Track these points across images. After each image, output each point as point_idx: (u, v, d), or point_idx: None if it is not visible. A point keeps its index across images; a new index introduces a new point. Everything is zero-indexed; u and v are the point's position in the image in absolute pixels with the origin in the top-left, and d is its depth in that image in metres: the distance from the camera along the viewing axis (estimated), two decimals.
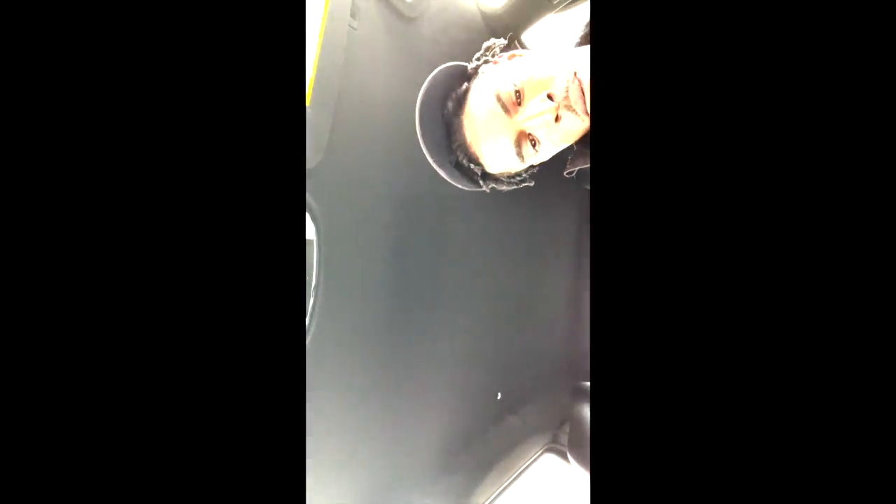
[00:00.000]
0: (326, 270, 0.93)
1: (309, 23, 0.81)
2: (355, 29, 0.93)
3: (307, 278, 0.91)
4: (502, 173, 0.62)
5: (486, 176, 0.62)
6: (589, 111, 0.54)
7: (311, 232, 0.91)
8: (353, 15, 0.91)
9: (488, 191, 0.65)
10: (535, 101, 0.54)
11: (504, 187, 0.65)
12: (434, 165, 0.61)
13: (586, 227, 1.84)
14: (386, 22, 1.01)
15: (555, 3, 1.16)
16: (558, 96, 0.53)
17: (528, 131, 0.56)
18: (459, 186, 0.64)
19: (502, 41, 0.63)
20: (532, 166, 0.64)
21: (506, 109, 0.55)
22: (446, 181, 0.64)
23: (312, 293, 0.91)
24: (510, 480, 1.41)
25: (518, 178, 0.65)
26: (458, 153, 0.59)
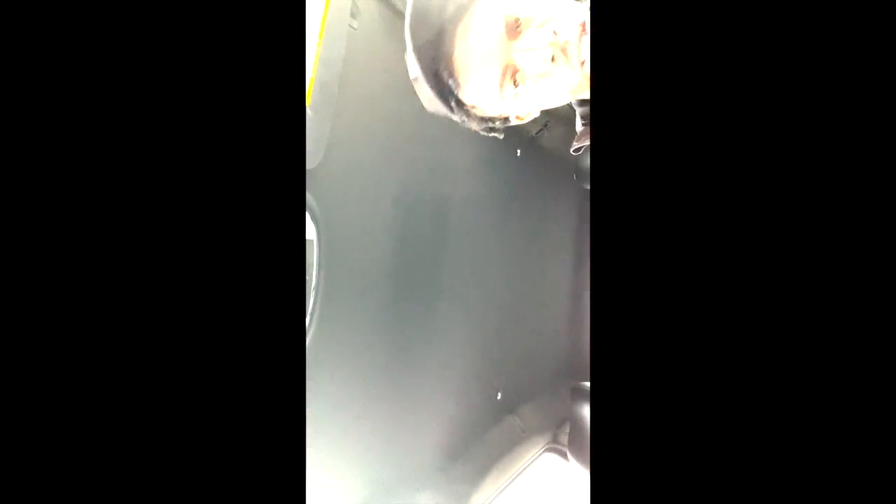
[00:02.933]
0: (326, 270, 0.93)
1: (309, 23, 0.81)
2: (355, 29, 0.93)
3: (307, 278, 0.91)
4: (475, 107, 0.58)
5: (460, 103, 0.57)
6: (584, 64, 0.52)
7: (311, 232, 0.91)
8: (353, 15, 0.91)
9: (458, 120, 0.59)
10: (538, 32, 0.51)
11: (473, 126, 0.61)
12: (411, 71, 0.56)
13: (586, 227, 1.84)
14: (386, 22, 1.01)
15: None
16: (561, 35, 0.51)
17: (517, 66, 0.53)
18: (427, 106, 0.59)
19: None
20: (506, 118, 0.61)
21: (509, 32, 0.52)
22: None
23: (312, 293, 0.91)
24: (510, 480, 1.41)
25: (489, 124, 0.61)
26: (441, 64, 0.54)
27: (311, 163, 0.85)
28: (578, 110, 0.68)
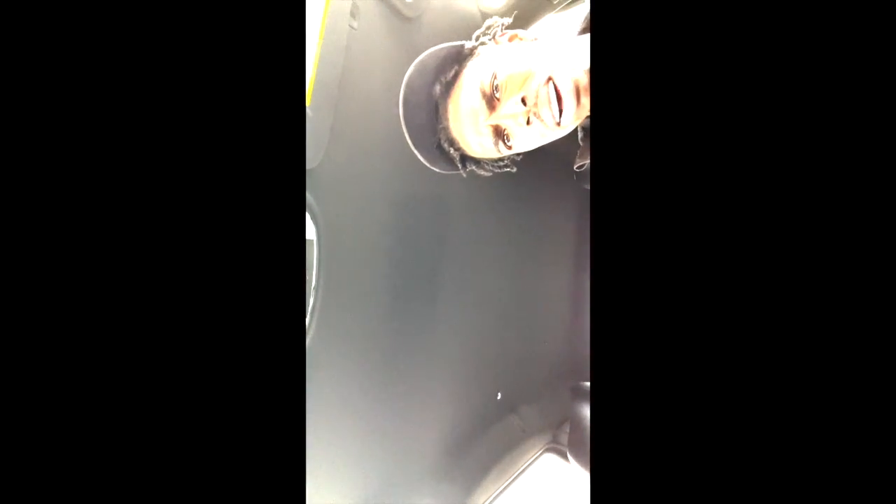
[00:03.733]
0: (326, 270, 0.93)
1: (309, 23, 0.81)
2: (355, 29, 0.93)
3: (307, 278, 0.91)
4: (483, 158, 0.63)
5: (466, 159, 0.62)
6: (560, 122, 0.54)
7: (311, 232, 0.91)
8: (353, 15, 0.91)
9: (465, 175, 0.64)
10: (511, 101, 0.54)
11: (484, 172, 0.65)
12: (412, 146, 0.61)
13: (586, 227, 1.84)
14: (386, 22, 1.01)
15: (555, 2, 1.16)
16: (530, 100, 0.54)
17: (502, 127, 0.57)
18: (436, 170, 0.64)
19: (506, 20, 0.62)
20: (516, 154, 0.64)
21: (488, 104, 0.56)
22: (443, 179, 0.64)
23: (312, 293, 0.91)
24: (510, 480, 1.41)
25: (500, 164, 0.65)
26: (441, 136, 0.60)
27: (311, 163, 0.85)
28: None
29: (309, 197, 0.87)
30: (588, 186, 1.83)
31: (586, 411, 1.47)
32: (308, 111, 0.82)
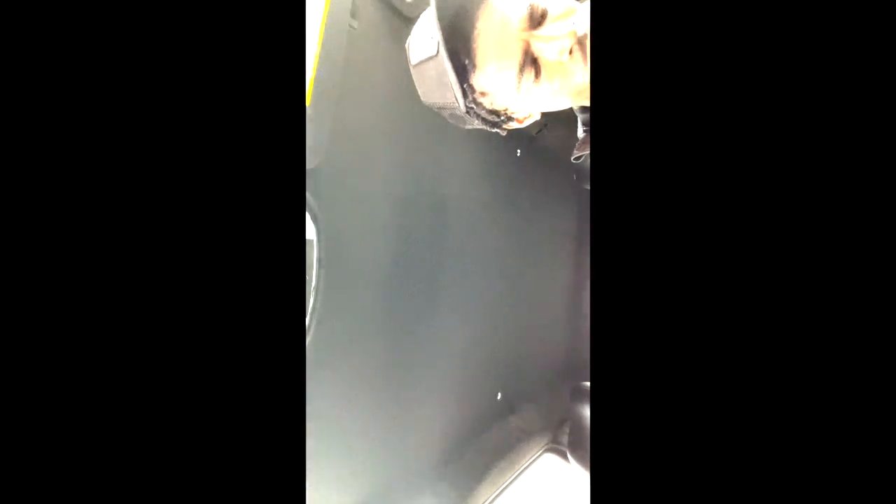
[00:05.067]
0: (326, 270, 0.93)
1: (309, 23, 0.81)
2: (355, 29, 0.93)
3: (307, 278, 0.91)
4: (486, 95, 0.57)
5: (472, 88, 0.56)
6: None
7: (311, 232, 0.91)
8: (353, 15, 0.91)
9: (462, 107, 0.57)
10: (559, 23, 0.53)
11: (474, 119, 0.60)
12: (426, 49, 0.55)
13: (586, 227, 1.84)
14: (386, 22, 1.01)
15: None
16: (580, 29, 0.52)
17: (536, 54, 0.54)
18: (426, 97, 0.59)
19: None
20: (510, 116, 0.61)
21: (531, 21, 0.53)
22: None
23: (312, 293, 0.91)
24: (510, 480, 1.41)
25: (494, 118, 0.61)
26: (459, 43, 0.54)
27: (311, 163, 0.85)
28: (580, 117, 0.68)
29: (309, 197, 0.88)
30: (588, 186, 1.84)
31: (586, 411, 1.47)
32: (308, 111, 0.82)
